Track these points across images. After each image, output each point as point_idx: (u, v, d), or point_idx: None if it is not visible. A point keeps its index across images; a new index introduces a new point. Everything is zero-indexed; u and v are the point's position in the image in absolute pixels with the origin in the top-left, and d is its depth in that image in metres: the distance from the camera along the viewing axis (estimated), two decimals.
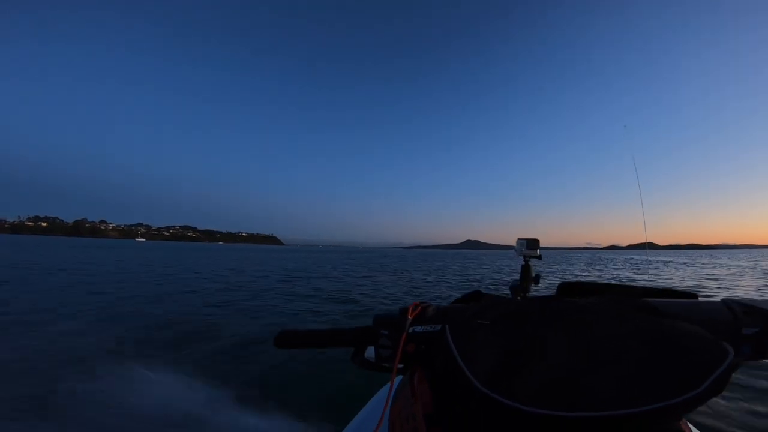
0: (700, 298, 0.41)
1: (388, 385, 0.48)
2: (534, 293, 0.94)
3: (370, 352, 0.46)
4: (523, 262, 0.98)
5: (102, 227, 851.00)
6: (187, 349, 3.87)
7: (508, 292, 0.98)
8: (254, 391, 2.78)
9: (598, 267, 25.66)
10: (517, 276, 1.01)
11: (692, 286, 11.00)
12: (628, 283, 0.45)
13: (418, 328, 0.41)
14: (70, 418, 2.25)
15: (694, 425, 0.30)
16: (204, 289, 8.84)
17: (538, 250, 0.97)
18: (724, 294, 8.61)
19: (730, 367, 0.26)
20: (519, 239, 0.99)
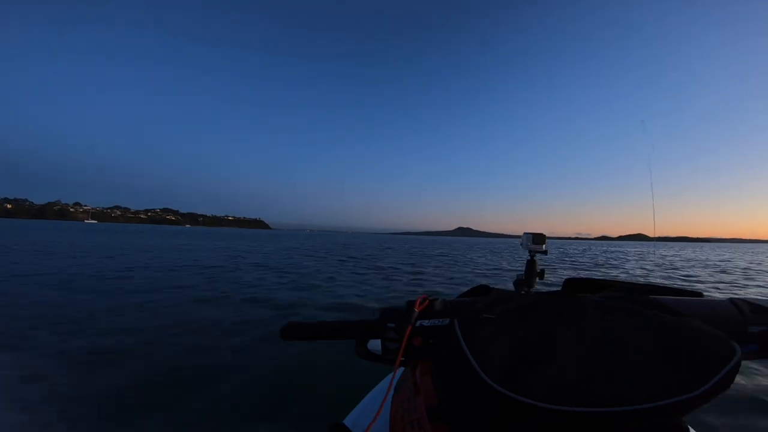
0: (705, 296, 0.41)
1: (389, 377, 0.45)
2: (538, 289, 0.90)
3: (374, 344, 0.45)
4: (529, 257, 0.94)
5: (72, 210, 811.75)
6: None
7: (511, 286, 0.93)
8: (249, 382, 2.72)
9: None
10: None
11: None
12: (632, 280, 0.47)
13: (426, 322, 0.40)
14: None
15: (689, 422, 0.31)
16: None
17: (544, 246, 0.93)
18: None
19: (737, 365, 0.26)
20: (525, 233, 0.95)
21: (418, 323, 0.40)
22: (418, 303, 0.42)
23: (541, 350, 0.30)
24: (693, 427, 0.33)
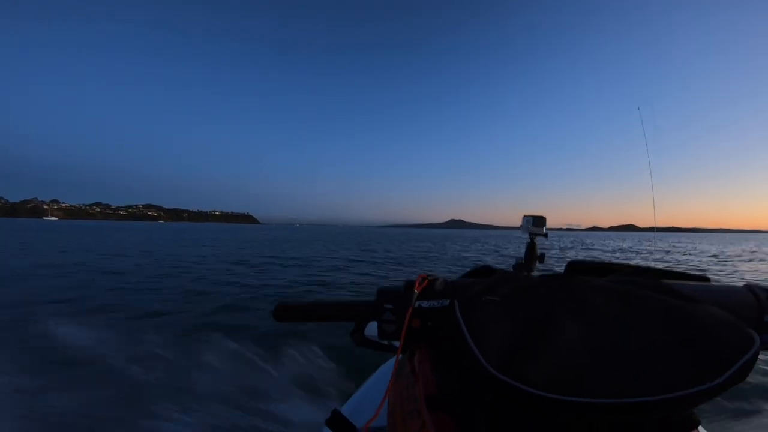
0: (713, 282, 0.39)
1: (388, 363, 0.44)
2: (537, 272, 0.90)
3: (370, 328, 0.42)
4: (529, 240, 0.92)
5: (46, 207, 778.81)
6: None
7: (511, 270, 0.84)
8: (246, 362, 2.72)
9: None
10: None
11: None
12: (639, 264, 0.43)
13: (425, 303, 0.38)
14: None
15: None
16: None
17: (544, 228, 0.91)
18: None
19: (755, 354, 0.24)
20: (525, 216, 0.93)
21: (417, 304, 0.38)
22: (417, 283, 0.39)
23: (543, 336, 0.28)
24: (704, 416, 0.27)
